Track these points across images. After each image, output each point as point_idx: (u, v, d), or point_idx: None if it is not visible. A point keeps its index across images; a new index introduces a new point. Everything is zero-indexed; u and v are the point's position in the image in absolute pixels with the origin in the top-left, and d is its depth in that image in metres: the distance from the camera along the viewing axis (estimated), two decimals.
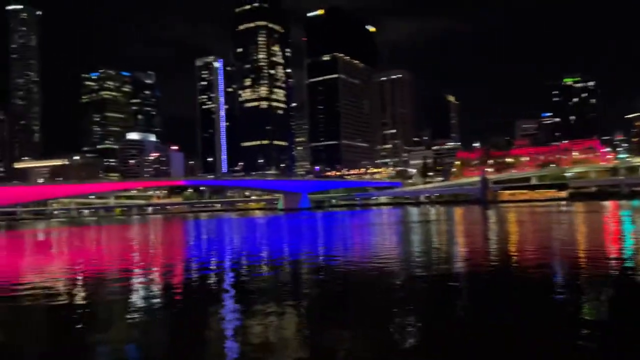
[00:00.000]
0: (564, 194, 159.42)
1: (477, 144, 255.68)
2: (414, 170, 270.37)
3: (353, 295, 20.21)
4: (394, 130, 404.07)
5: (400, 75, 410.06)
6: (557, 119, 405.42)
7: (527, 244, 34.20)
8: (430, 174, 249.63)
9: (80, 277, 26.93)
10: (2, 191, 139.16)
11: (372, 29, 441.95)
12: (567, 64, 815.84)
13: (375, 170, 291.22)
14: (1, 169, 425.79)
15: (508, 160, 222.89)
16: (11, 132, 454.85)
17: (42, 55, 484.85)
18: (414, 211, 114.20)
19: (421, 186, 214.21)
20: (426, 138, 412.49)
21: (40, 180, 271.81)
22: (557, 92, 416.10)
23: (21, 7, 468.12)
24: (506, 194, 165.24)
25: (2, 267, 35.26)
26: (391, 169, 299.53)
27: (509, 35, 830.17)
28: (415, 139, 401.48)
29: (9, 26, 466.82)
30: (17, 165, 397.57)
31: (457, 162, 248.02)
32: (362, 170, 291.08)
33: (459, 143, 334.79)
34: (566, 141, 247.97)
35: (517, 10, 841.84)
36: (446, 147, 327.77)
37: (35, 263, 37.04)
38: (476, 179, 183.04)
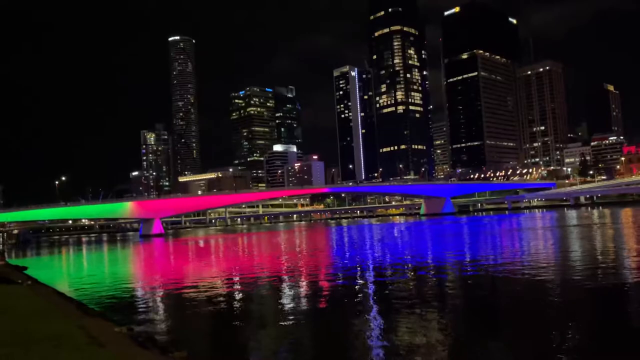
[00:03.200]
0: None
1: None
2: (570, 169, 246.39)
3: (508, 307, 18.33)
4: (543, 127, 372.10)
5: (548, 68, 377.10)
6: None
7: None
8: (590, 172, 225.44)
9: (246, 279, 28.30)
10: (169, 203, 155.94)
11: (514, 21, 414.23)
12: None
13: (524, 170, 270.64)
14: (167, 183, 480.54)
15: None
16: (174, 149, 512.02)
17: (197, 79, 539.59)
18: (572, 214, 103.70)
19: (579, 186, 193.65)
20: (581, 134, 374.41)
21: (199, 192, 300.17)
22: None
23: (178, 37, 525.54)
24: None
25: (180, 270, 38.76)
26: (542, 168, 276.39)
27: None
28: (570, 135, 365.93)
29: (170, 55, 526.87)
30: (180, 179, 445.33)
31: (623, 159, 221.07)
32: (510, 171, 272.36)
33: (622, 137, 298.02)
34: None
35: None
36: (607, 142, 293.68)
37: (203, 267, 40.22)
38: None
